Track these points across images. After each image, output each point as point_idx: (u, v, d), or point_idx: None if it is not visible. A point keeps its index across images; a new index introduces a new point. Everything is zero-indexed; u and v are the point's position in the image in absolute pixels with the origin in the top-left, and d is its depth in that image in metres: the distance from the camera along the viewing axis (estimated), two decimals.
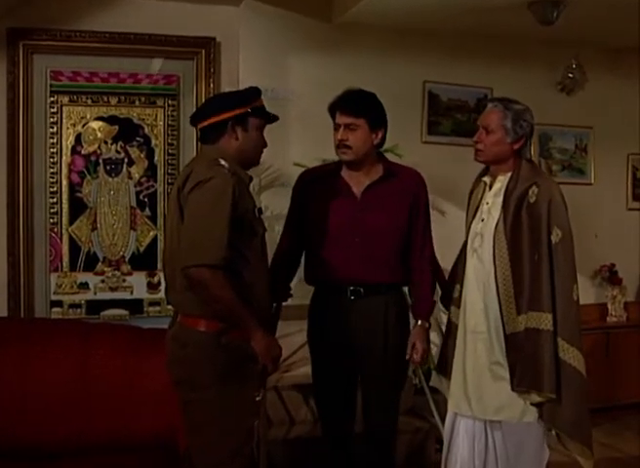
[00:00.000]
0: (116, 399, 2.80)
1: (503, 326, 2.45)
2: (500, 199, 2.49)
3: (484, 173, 2.62)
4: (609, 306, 4.93)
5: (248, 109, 2.25)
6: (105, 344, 2.91)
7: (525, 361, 2.39)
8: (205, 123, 2.27)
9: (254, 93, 2.31)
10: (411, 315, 2.73)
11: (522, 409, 2.45)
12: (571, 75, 4.74)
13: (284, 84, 4.11)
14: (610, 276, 4.90)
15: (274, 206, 4.02)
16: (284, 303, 2.72)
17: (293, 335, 3.61)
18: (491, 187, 2.56)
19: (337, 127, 2.55)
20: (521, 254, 2.42)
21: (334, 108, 2.57)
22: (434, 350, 3.26)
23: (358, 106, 2.53)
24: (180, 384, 2.27)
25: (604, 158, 5.01)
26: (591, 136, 4.99)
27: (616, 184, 5.08)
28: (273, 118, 2.35)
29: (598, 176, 5.03)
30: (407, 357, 2.62)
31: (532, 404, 2.44)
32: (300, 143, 4.09)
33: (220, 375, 2.18)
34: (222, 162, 2.20)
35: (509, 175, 2.50)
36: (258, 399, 2.26)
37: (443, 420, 3.31)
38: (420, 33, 4.31)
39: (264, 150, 2.39)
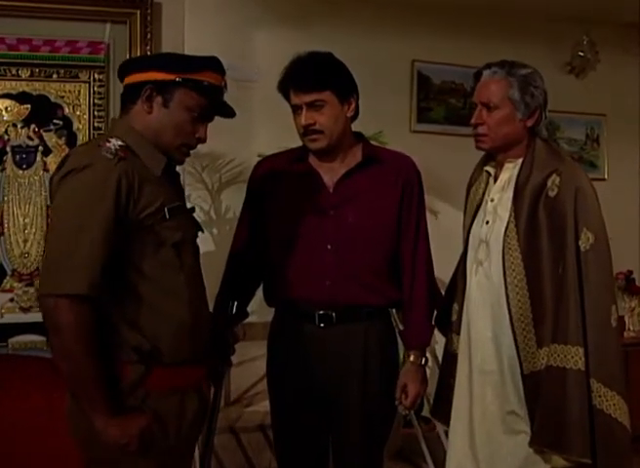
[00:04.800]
0: (25, 453, 2.55)
1: (520, 363, 2.08)
2: (510, 194, 2.14)
3: (486, 160, 2.28)
4: (626, 319, 4.69)
5: (175, 78, 1.77)
6: (11, 381, 2.69)
7: (545, 410, 2.01)
8: (127, 79, 1.86)
9: (200, 61, 1.81)
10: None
11: None
12: (581, 54, 4.67)
13: (246, 61, 3.97)
14: (627, 285, 4.68)
15: (237, 206, 3.78)
16: (245, 321, 2.35)
17: (256, 360, 3.37)
18: (496, 179, 2.22)
19: (296, 109, 2.19)
20: (540, 267, 2.07)
21: (286, 86, 2.19)
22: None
23: (319, 76, 2.15)
24: (92, 464, 1.76)
25: (618, 150, 4.90)
26: (604, 124, 4.90)
27: (632, 179, 4.98)
28: (227, 111, 1.86)
29: (612, 171, 4.92)
30: (396, 402, 2.26)
31: None
32: (266, 132, 3.96)
33: (144, 449, 1.68)
34: (112, 141, 1.74)
35: (520, 161, 2.16)
36: None
37: (438, 465, 3.13)
38: (407, 5, 4.18)
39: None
